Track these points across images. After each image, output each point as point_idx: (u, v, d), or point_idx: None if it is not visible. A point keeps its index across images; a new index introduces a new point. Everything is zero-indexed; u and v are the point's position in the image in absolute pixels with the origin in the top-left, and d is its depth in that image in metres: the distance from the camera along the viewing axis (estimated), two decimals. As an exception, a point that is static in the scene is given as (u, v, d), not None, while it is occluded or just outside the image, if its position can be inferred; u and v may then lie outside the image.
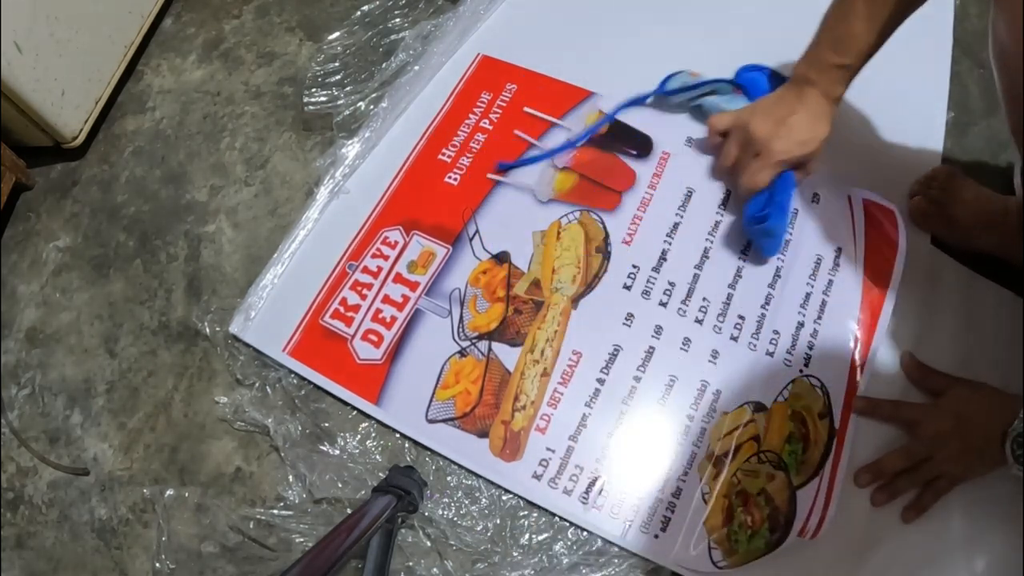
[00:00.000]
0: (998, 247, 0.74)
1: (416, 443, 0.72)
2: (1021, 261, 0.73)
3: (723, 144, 0.80)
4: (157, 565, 0.68)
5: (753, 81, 0.83)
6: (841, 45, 0.68)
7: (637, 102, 0.87)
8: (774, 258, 0.78)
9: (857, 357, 0.73)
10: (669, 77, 0.86)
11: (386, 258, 0.80)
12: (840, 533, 0.66)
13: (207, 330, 0.78)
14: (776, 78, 0.82)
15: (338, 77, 0.93)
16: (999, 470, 0.60)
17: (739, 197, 0.78)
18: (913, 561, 0.64)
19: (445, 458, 0.71)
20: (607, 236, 0.80)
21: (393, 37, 0.96)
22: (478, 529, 0.68)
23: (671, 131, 0.86)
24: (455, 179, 0.85)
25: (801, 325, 0.74)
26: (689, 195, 0.82)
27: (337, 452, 0.71)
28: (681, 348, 0.74)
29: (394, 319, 0.77)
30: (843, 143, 0.80)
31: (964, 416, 0.64)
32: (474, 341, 0.75)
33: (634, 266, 0.78)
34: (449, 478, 0.71)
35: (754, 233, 0.76)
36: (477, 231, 0.81)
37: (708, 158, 0.84)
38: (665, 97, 0.86)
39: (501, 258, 0.79)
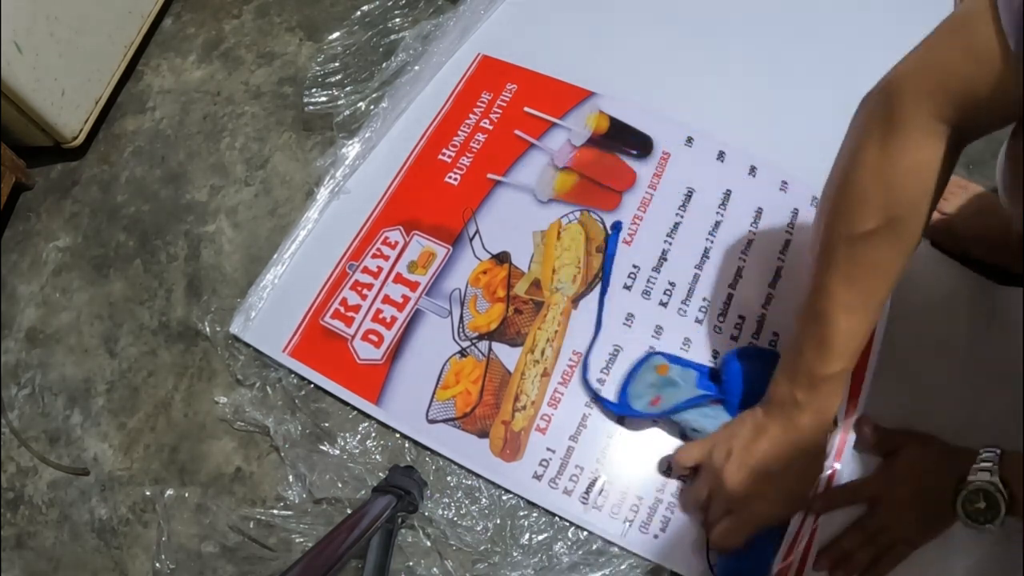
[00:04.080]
0: (999, 261, 0.74)
1: (416, 443, 0.72)
2: (1022, 274, 0.73)
3: (691, 477, 0.65)
4: (157, 565, 0.68)
5: (734, 378, 0.66)
6: (828, 350, 0.55)
7: (605, 402, 0.71)
8: (774, 258, 0.78)
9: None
10: (634, 369, 0.71)
11: (386, 258, 0.80)
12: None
13: (207, 330, 0.78)
14: (767, 365, 0.63)
15: (338, 77, 0.93)
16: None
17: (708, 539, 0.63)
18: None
19: (445, 458, 0.71)
20: (608, 236, 0.80)
21: (393, 37, 0.96)
22: (478, 529, 0.68)
23: (671, 131, 0.86)
24: (455, 179, 0.85)
25: None
26: (689, 195, 0.82)
27: (337, 452, 0.71)
28: (681, 348, 0.74)
29: (394, 319, 0.77)
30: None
31: (917, 479, 0.60)
32: (474, 341, 0.75)
33: (634, 266, 0.78)
34: (449, 478, 0.71)
35: None
36: (477, 231, 0.81)
37: (708, 158, 0.84)
38: (628, 415, 0.69)
39: (501, 258, 0.79)
